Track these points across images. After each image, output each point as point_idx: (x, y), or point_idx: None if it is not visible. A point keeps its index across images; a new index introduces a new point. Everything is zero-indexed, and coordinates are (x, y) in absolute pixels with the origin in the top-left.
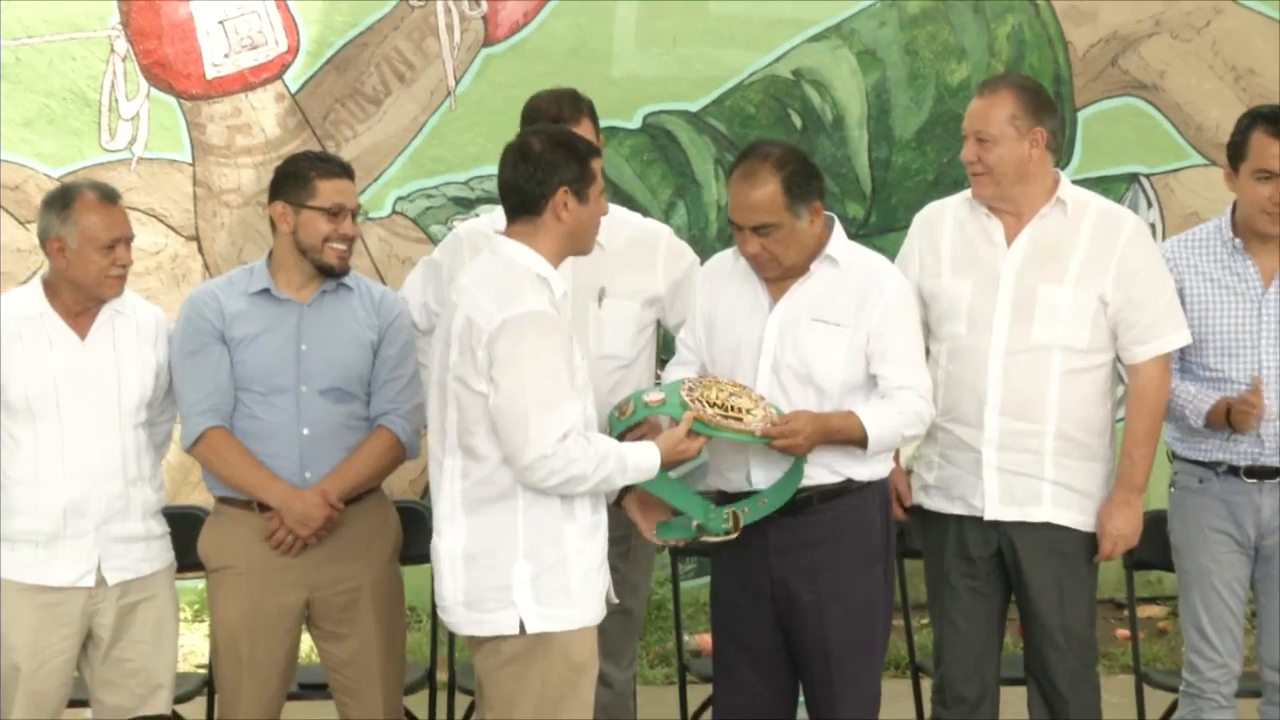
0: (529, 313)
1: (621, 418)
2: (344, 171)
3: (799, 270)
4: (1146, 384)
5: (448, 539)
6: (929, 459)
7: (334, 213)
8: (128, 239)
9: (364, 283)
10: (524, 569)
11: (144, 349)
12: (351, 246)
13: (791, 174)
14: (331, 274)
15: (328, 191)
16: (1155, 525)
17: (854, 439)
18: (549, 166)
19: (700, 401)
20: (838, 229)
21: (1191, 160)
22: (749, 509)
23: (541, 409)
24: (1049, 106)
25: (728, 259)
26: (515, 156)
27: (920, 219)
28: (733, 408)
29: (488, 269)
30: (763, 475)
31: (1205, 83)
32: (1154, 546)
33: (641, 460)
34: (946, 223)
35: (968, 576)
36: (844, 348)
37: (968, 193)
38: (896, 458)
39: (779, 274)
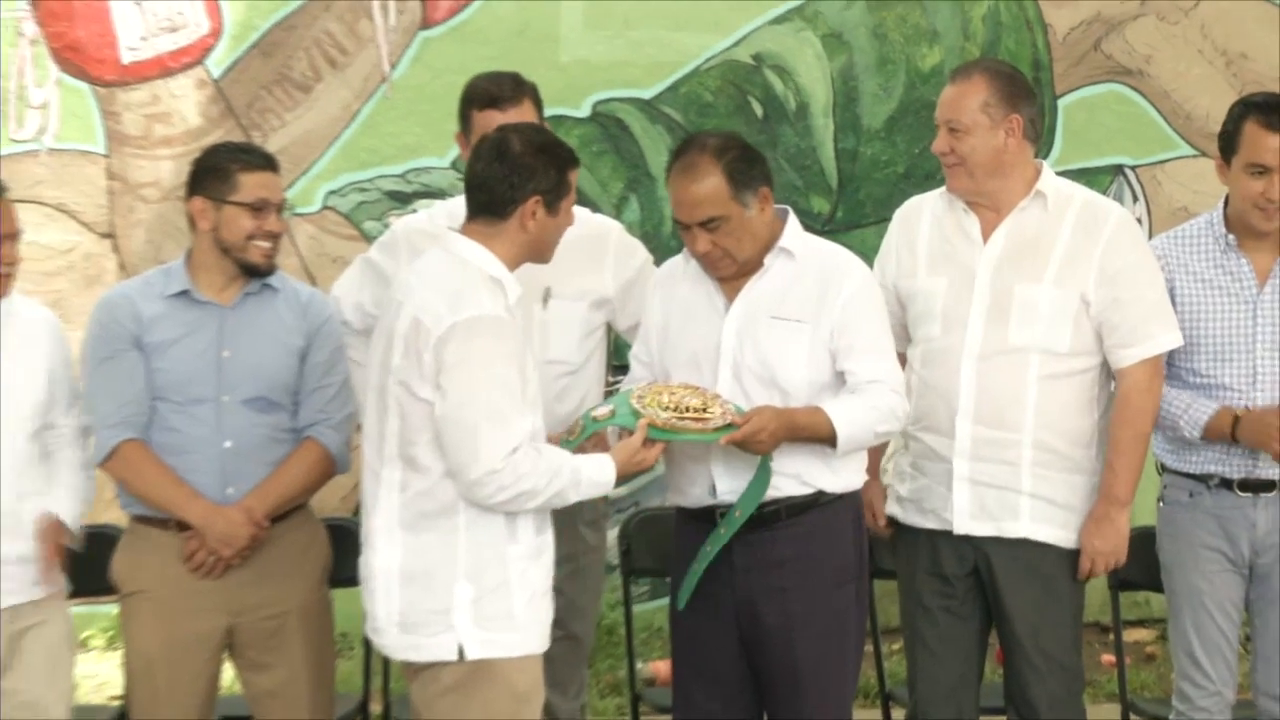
0: (482, 316)
1: (570, 438)
2: (268, 163)
3: (753, 266)
4: (1131, 389)
5: (383, 555)
6: (902, 470)
7: (258, 208)
8: (14, 235)
9: (290, 283)
10: (465, 590)
11: (35, 353)
12: (277, 244)
13: (733, 161)
14: (256, 274)
15: (250, 185)
16: (1143, 542)
17: (821, 436)
18: (525, 171)
19: (652, 407)
20: (792, 220)
21: (1180, 151)
22: (724, 529)
23: (492, 420)
24: (1025, 92)
25: (679, 263)
26: (492, 152)
27: (899, 215)
28: (688, 408)
29: (438, 267)
30: (728, 485)
31: (1194, 68)
32: (1141, 565)
33: (596, 474)
34: (924, 218)
35: (942, 596)
36: (806, 345)
37: (945, 188)
38: (875, 469)
39: (733, 271)
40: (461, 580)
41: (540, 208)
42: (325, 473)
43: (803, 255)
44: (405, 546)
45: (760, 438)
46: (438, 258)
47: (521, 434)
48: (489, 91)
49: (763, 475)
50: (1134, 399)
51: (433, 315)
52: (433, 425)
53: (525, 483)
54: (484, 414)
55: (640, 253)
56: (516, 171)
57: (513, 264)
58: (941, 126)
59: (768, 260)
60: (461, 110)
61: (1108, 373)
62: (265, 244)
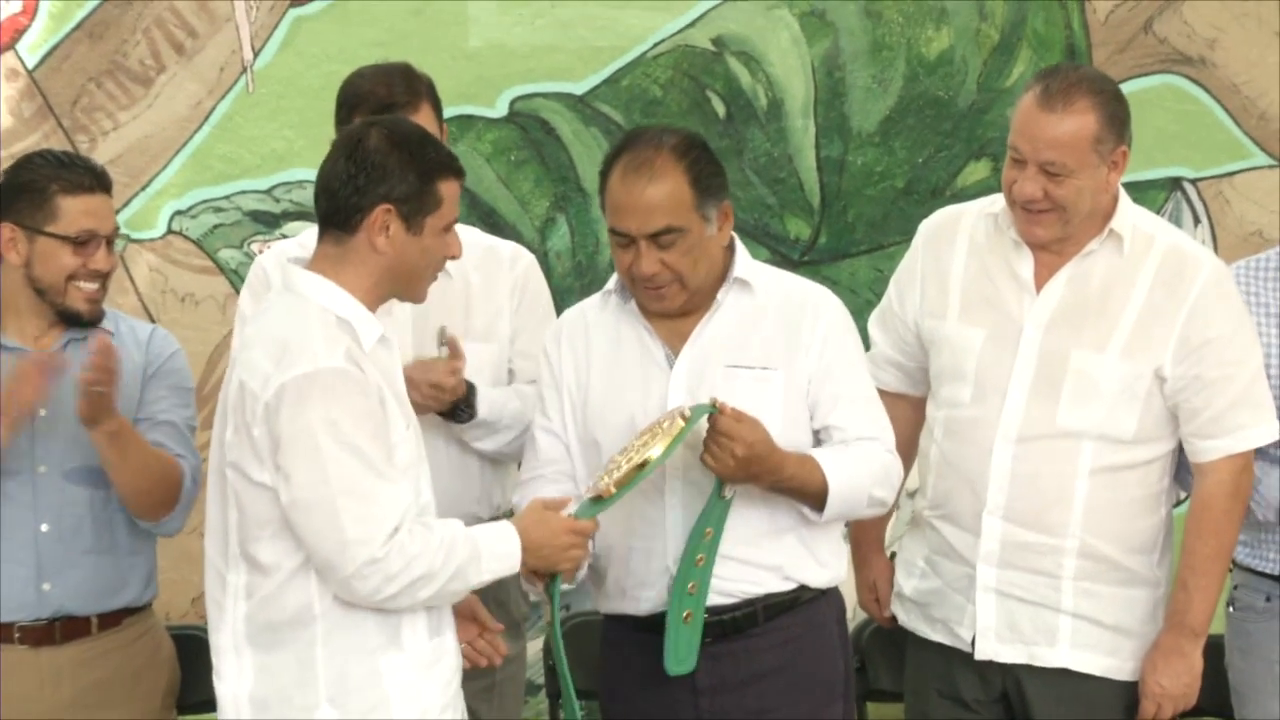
0: (316, 371)
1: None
2: (97, 183)
3: (702, 301)
4: (1215, 492)
5: (230, 680)
6: (912, 560)
7: (82, 241)
8: None
9: (126, 323)
10: (328, 717)
11: None
12: (106, 285)
13: (697, 162)
14: (77, 322)
15: (74, 212)
16: (1208, 657)
17: (810, 489)
18: (375, 172)
19: (605, 481)
20: (740, 246)
21: (1253, 160)
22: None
23: (354, 499)
24: (1128, 110)
25: (591, 307)
26: (343, 149)
27: (927, 230)
28: (633, 451)
29: (273, 313)
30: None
31: (1270, 55)
32: (1207, 686)
33: (496, 543)
34: (959, 243)
35: None
36: (780, 399)
37: (991, 202)
38: (878, 542)
39: (681, 303)
40: (324, 705)
41: (394, 220)
42: (171, 485)
43: (762, 287)
44: (256, 667)
45: (736, 451)
46: (277, 301)
47: (398, 508)
48: (376, 95)
49: (718, 508)
50: (1217, 504)
51: (259, 377)
52: (276, 516)
53: (418, 566)
54: (340, 491)
55: (545, 296)
56: (364, 171)
57: (371, 298)
58: (1029, 165)
59: (720, 295)
60: (341, 115)
61: (1177, 455)
62: (90, 286)
